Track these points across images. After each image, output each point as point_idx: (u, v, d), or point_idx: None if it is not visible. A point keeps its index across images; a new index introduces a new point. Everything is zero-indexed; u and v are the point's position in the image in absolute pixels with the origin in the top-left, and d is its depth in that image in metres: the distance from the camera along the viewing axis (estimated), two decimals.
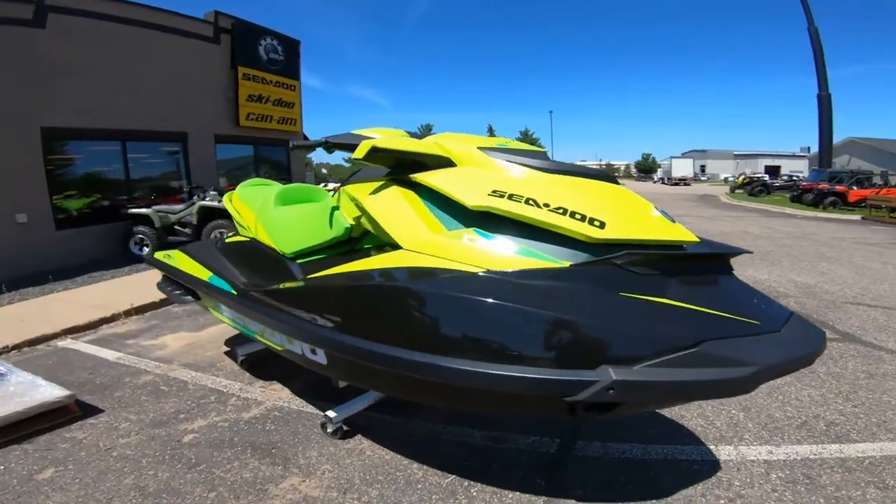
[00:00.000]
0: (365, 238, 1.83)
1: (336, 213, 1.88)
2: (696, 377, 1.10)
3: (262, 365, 2.90)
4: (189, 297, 2.71)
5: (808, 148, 48.02)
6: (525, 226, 1.28)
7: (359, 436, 2.15)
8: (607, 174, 1.47)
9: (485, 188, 1.34)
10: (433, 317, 1.29)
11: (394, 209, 1.49)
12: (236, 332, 3.53)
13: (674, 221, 1.35)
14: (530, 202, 1.27)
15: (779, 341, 1.20)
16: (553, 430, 2.21)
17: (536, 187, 1.32)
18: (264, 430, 2.20)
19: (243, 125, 9.27)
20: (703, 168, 58.93)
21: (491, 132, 47.01)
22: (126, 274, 5.80)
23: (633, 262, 1.21)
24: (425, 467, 1.93)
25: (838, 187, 15.79)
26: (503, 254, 1.27)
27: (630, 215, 1.28)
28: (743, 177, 30.30)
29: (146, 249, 6.63)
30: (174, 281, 2.83)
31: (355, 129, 1.73)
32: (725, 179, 45.88)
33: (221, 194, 7.04)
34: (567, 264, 1.22)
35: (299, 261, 2.10)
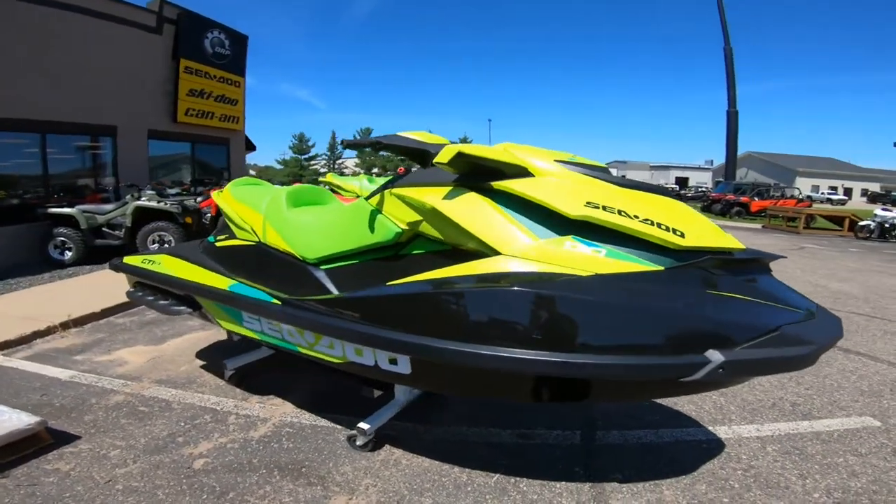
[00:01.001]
0: (413, 242, 1.77)
1: (378, 216, 1.79)
2: (783, 354, 1.31)
3: (249, 378, 2.70)
4: (183, 308, 2.43)
5: (712, 161, 54.41)
6: (616, 233, 1.38)
7: (387, 446, 2.09)
8: (665, 189, 1.62)
9: (579, 199, 1.42)
10: (560, 317, 1.34)
11: (482, 216, 1.50)
12: (208, 345, 3.28)
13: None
14: (622, 213, 1.38)
15: (819, 326, 1.44)
16: (570, 423, 2.33)
17: (620, 200, 1.43)
18: (283, 449, 2.05)
19: (182, 121, 8.49)
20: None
21: None
22: (48, 281, 5.03)
23: (711, 265, 1.39)
24: (467, 470, 1.94)
25: (742, 198, 18.01)
26: (605, 259, 1.36)
27: (698, 225, 1.43)
28: None
29: (69, 254, 5.80)
30: (158, 289, 2.54)
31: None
32: None
33: (161, 195, 6.40)
34: (661, 268, 1.35)
35: (324, 267, 1.99)
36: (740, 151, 25.46)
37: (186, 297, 2.43)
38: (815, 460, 2.05)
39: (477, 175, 1.55)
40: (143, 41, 7.82)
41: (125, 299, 4.10)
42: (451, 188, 1.58)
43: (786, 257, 1.96)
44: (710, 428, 2.33)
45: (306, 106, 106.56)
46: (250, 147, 13.39)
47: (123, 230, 5.98)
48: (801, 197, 19.70)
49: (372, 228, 1.79)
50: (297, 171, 42.80)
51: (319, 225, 2.06)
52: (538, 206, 1.45)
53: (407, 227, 1.72)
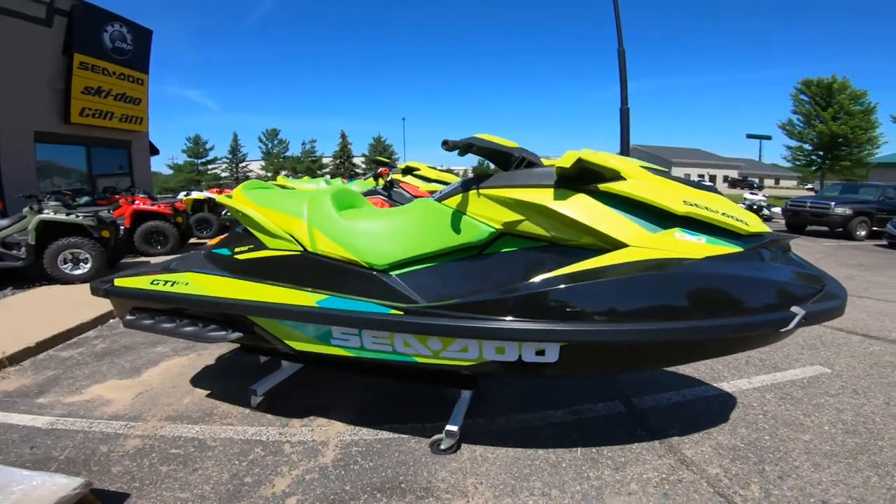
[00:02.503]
0: (497, 241, 1.82)
1: (464, 218, 1.81)
2: (832, 306, 1.74)
3: (272, 402, 2.47)
4: (225, 332, 2.14)
5: None
6: (704, 224, 1.67)
7: (464, 445, 2.13)
8: (712, 186, 1.92)
9: (677, 198, 1.66)
10: (702, 291, 1.63)
11: (601, 214, 1.65)
12: (196, 371, 2.99)
13: None
14: (709, 209, 1.67)
15: (835, 284, 1.87)
16: (606, 396, 2.59)
17: (699, 197, 1.70)
18: (368, 469, 1.95)
19: (76, 122, 7.26)
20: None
21: (343, 138, 45.66)
22: None
23: (768, 245, 1.75)
24: (550, 450, 2.07)
25: None
26: (706, 245, 1.64)
27: (747, 215, 1.78)
28: None
29: None
30: (173, 313, 2.24)
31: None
32: None
33: (68, 206, 5.48)
34: (741, 249, 1.67)
35: (396, 273, 1.92)
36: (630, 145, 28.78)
37: (224, 320, 2.17)
38: (805, 402, 2.56)
39: (576, 178, 1.69)
40: (31, 34, 6.63)
41: (59, 329, 3.53)
42: (557, 190, 1.70)
43: (796, 237, 2.56)
44: (716, 385, 2.75)
45: (197, 107, 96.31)
46: (153, 151, 11.90)
47: (25, 249, 4.99)
48: None
49: (458, 230, 1.80)
50: (194, 176, 39.04)
51: (386, 230, 1.98)
52: (639, 204, 1.66)
53: (502, 227, 1.77)
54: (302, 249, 2.08)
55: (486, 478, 1.87)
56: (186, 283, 2.17)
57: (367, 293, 1.89)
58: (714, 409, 2.46)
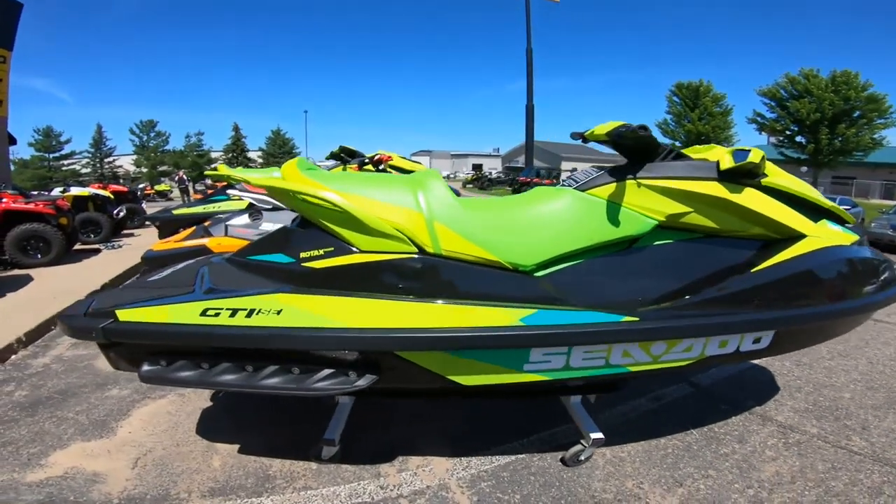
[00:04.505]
0: (651, 234, 1.69)
1: (622, 209, 1.65)
2: None
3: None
4: (355, 377, 1.54)
5: (498, 148, 63.11)
6: (829, 214, 1.85)
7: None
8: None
9: (817, 192, 1.84)
10: (858, 273, 1.83)
11: (778, 207, 1.70)
12: (192, 418, 2.32)
13: None
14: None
15: None
16: (666, 382, 2.63)
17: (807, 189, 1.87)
18: (518, 498, 1.70)
19: None
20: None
21: (236, 129, 40.27)
22: None
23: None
24: (668, 437, 2.09)
25: (545, 181, 22.06)
26: (847, 233, 1.83)
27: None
28: (472, 174, 37.41)
29: None
30: (266, 357, 1.57)
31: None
32: (447, 177, 54.88)
33: (24, 194, 4.16)
34: (858, 236, 1.88)
35: (540, 273, 1.65)
36: (521, 141, 30.51)
37: (341, 361, 1.56)
38: (816, 366, 2.98)
39: (734, 173, 1.67)
40: None
41: None
42: (727, 183, 1.67)
43: (859, 222, 3.07)
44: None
45: (45, 98, 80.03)
46: (11, 141, 9.44)
47: None
48: (563, 177, 25.58)
49: (616, 222, 1.64)
50: (45, 172, 32.49)
51: (525, 223, 1.66)
52: (794, 197, 1.75)
53: (665, 219, 1.68)
54: (417, 251, 1.59)
55: (641, 477, 1.81)
56: (279, 312, 1.50)
57: (513, 300, 1.57)
58: (760, 378, 2.71)
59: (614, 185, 1.67)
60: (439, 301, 1.53)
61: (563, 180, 1.86)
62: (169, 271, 1.96)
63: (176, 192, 22.92)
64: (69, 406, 2.36)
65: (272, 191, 1.75)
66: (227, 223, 3.65)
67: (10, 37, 7.62)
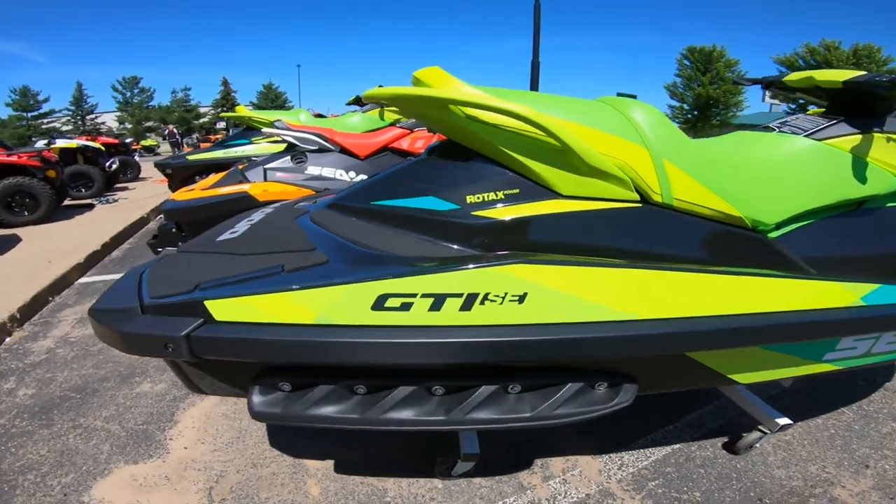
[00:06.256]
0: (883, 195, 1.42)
1: (869, 165, 1.37)
2: None
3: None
4: (626, 389, 1.13)
5: None
6: None
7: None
8: None
9: None
10: None
11: None
12: (249, 419, 1.73)
13: None
14: None
15: None
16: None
17: None
18: (699, 496, 1.25)
19: None
20: None
21: (225, 84, 38.61)
22: None
23: None
24: (819, 417, 1.81)
25: None
26: None
27: None
28: None
29: None
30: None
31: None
32: None
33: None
34: None
35: (774, 234, 1.28)
36: None
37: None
38: None
39: None
40: None
41: None
42: None
43: None
44: None
45: (19, 61, 75.37)
46: None
47: None
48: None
49: (863, 179, 1.38)
50: (24, 130, 31.89)
51: (766, 171, 1.29)
52: None
53: None
54: (639, 198, 1.17)
55: (820, 460, 1.57)
56: (522, 298, 0.97)
57: (748, 265, 1.23)
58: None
59: (859, 136, 1.40)
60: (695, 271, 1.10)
61: (775, 127, 1.52)
62: (242, 227, 1.35)
63: (164, 147, 22.53)
64: (93, 410, 1.78)
65: (412, 102, 1.17)
66: (266, 167, 3.02)
67: None
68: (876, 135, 1.42)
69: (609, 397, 1.11)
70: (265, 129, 3.54)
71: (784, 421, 1.53)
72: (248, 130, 5.13)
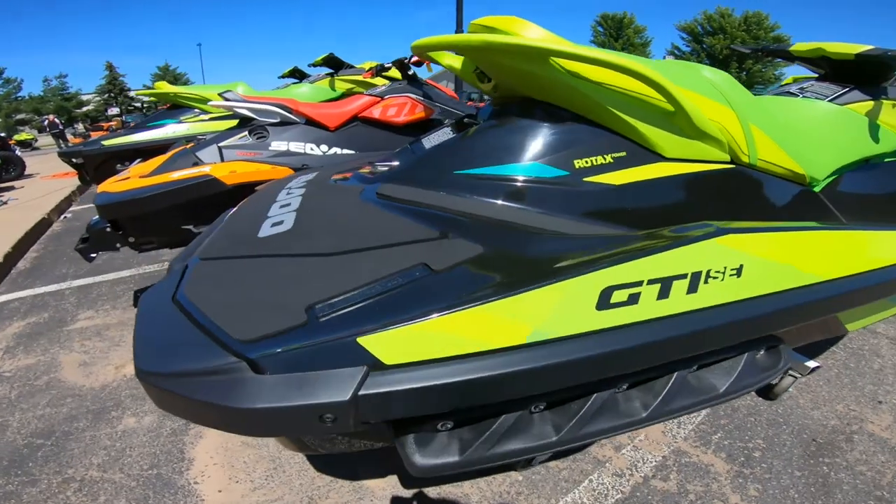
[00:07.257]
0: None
1: (880, 127, 1.52)
2: None
3: None
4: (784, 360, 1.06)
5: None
6: None
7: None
8: None
9: None
10: None
11: None
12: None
13: None
14: None
15: None
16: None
17: None
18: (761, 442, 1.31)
19: None
20: None
21: (110, 69, 33.74)
22: None
23: None
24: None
25: (479, 104, 21.84)
26: None
27: None
28: None
29: None
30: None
31: None
32: None
33: None
34: None
35: (817, 188, 1.36)
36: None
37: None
38: None
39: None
40: None
41: None
42: None
43: None
44: None
45: None
46: None
47: None
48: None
49: (876, 139, 1.51)
50: None
51: (815, 132, 1.39)
52: None
53: None
54: (729, 160, 1.15)
55: (843, 400, 1.66)
56: (738, 271, 0.87)
57: (807, 219, 1.30)
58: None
59: (871, 102, 1.55)
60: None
61: (797, 93, 1.63)
62: (284, 215, 1.05)
63: (45, 140, 19.71)
64: (77, 457, 1.42)
65: (498, 53, 1.00)
66: (220, 145, 2.57)
67: None
68: (885, 101, 1.59)
69: (773, 362, 1.06)
70: (213, 103, 3.02)
71: (813, 364, 1.62)
72: (174, 109, 4.43)
